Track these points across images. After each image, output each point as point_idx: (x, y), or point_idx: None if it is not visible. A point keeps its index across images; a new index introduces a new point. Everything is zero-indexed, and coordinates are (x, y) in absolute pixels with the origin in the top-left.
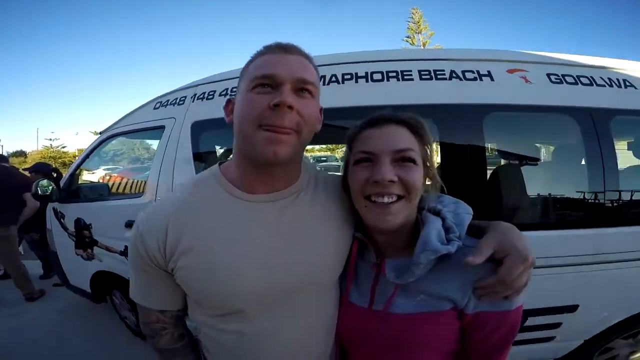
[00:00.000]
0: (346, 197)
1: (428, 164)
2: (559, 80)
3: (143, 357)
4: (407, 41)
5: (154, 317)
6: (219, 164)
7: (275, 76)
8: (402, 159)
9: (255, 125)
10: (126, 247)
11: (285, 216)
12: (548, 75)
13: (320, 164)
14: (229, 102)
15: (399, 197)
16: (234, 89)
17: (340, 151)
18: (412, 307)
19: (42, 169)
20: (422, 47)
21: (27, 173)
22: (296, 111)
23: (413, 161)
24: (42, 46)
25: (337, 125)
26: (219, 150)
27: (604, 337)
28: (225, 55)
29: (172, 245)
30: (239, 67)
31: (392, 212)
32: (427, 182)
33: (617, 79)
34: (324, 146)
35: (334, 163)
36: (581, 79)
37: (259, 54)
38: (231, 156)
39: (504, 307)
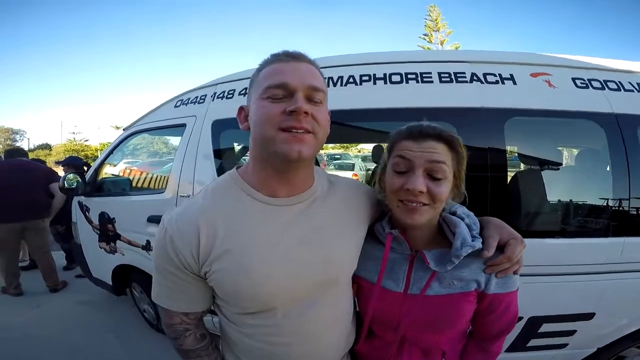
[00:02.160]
0: (362, 198)
1: (457, 177)
2: (584, 85)
3: (161, 349)
4: (424, 39)
5: (177, 319)
6: (237, 168)
7: (288, 85)
8: (434, 171)
9: (275, 128)
10: (148, 241)
11: (305, 218)
12: (573, 79)
13: (335, 161)
14: (241, 109)
15: (424, 204)
16: None
17: (355, 149)
18: (445, 289)
19: (74, 162)
20: (439, 46)
21: (59, 166)
22: (311, 116)
23: (443, 175)
24: (65, 43)
25: (352, 126)
26: (237, 148)
27: (618, 346)
28: (234, 57)
29: (205, 251)
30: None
31: (418, 213)
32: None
33: None
34: (337, 144)
35: (347, 161)
36: (608, 83)
37: (268, 62)
38: (243, 158)
39: (511, 288)
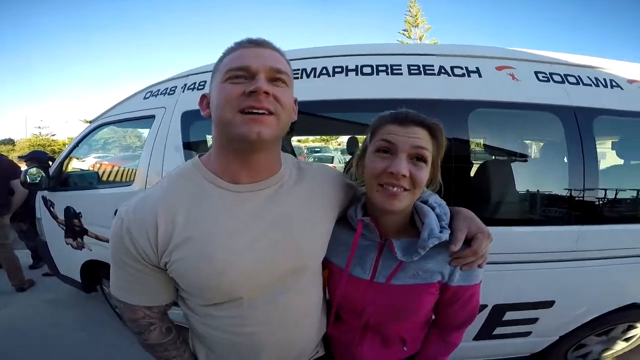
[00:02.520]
0: (332, 183)
1: (434, 165)
2: (546, 79)
3: (134, 346)
4: (403, 34)
5: (140, 313)
6: (199, 156)
7: (249, 67)
8: (416, 156)
9: (235, 110)
10: None
11: (272, 204)
12: (536, 73)
13: (315, 154)
14: (203, 97)
15: (405, 189)
16: None
17: (335, 142)
18: (410, 279)
19: (38, 156)
20: (418, 41)
21: (22, 161)
22: (273, 96)
23: (425, 161)
24: (29, 33)
25: (329, 117)
26: (209, 140)
27: (578, 334)
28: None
29: (164, 239)
30: None
31: (398, 198)
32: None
33: (604, 79)
34: (318, 137)
35: (327, 154)
36: (568, 77)
37: (231, 50)
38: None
39: (474, 281)
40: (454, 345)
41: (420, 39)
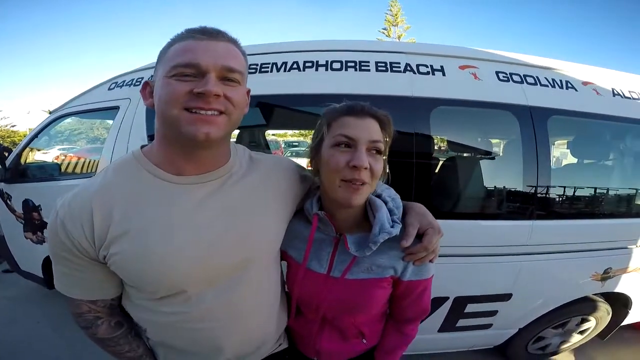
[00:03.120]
0: (285, 174)
1: (384, 156)
2: (506, 79)
3: None
4: (383, 33)
5: (84, 307)
6: (141, 147)
7: (199, 65)
8: (374, 149)
9: (180, 107)
10: None
11: (218, 196)
12: (497, 73)
13: (292, 148)
14: (146, 84)
15: (364, 183)
16: None
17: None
18: (363, 274)
19: None
20: (397, 40)
21: None
22: (224, 97)
23: (381, 152)
24: None
25: (300, 111)
26: None
27: (536, 326)
28: None
29: (101, 233)
30: None
31: (359, 193)
32: None
33: (560, 80)
34: (297, 132)
35: (304, 148)
36: (527, 78)
37: (181, 38)
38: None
39: (425, 276)
40: (410, 337)
41: (399, 37)
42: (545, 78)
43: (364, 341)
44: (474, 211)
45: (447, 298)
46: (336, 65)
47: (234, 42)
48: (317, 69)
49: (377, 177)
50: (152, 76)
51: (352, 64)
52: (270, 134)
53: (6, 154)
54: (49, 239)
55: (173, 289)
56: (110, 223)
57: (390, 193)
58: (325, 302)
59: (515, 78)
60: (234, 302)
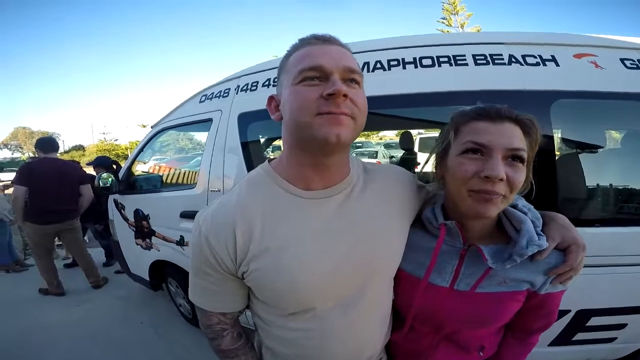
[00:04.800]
0: (403, 184)
1: (529, 165)
2: (635, 66)
3: (197, 343)
4: (443, 23)
5: (215, 319)
6: (269, 161)
7: (323, 67)
8: (513, 157)
9: (312, 114)
10: (182, 236)
11: (344, 210)
12: (622, 60)
13: (357, 149)
14: (271, 99)
15: (498, 195)
16: (276, 80)
17: (376, 137)
18: (495, 287)
19: (103, 162)
20: (460, 29)
21: (90, 167)
22: (350, 99)
23: (523, 161)
24: (94, 47)
25: (377, 113)
26: (262, 140)
27: None
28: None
29: (242, 250)
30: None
31: (493, 203)
32: None
33: None
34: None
35: (370, 149)
36: None
37: (297, 47)
38: (269, 149)
39: (562, 288)
40: (532, 345)
41: (462, 26)
42: None
43: (481, 354)
44: (608, 217)
45: (567, 311)
46: (427, 62)
47: (345, 46)
48: (404, 67)
49: (516, 190)
50: (275, 89)
51: (446, 59)
52: None
53: (114, 167)
54: (193, 253)
55: (304, 305)
56: (251, 240)
57: (524, 202)
58: (449, 316)
59: None
60: (356, 318)
